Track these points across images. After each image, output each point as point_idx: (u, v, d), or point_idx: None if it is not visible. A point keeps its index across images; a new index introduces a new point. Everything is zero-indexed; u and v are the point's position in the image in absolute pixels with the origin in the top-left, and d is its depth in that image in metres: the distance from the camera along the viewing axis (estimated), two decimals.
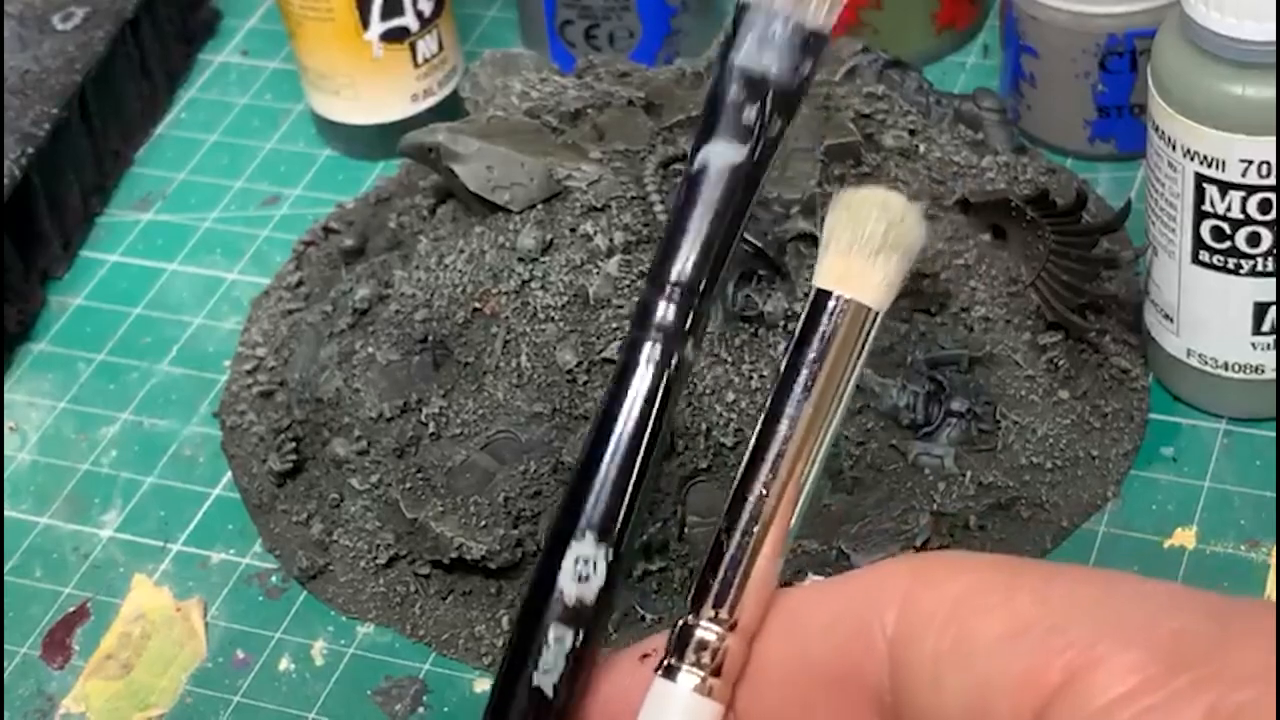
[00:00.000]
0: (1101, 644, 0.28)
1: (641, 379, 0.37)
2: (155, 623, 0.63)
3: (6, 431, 0.71)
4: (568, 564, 0.37)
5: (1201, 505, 0.62)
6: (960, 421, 0.62)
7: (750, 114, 0.37)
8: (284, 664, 0.62)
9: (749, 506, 0.36)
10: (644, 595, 0.60)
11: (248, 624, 0.63)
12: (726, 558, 0.36)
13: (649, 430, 0.37)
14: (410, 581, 0.62)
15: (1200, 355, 0.63)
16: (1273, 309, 0.61)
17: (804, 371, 0.36)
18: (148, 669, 0.62)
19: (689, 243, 0.37)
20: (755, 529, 0.36)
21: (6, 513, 0.68)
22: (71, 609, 0.64)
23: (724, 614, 0.35)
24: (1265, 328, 0.61)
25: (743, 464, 0.37)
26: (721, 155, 0.37)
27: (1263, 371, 0.63)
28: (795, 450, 0.36)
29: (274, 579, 0.64)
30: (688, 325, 0.37)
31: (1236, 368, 0.63)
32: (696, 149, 0.37)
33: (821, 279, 0.36)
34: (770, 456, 0.36)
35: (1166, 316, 0.63)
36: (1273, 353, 0.62)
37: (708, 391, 0.60)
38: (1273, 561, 0.60)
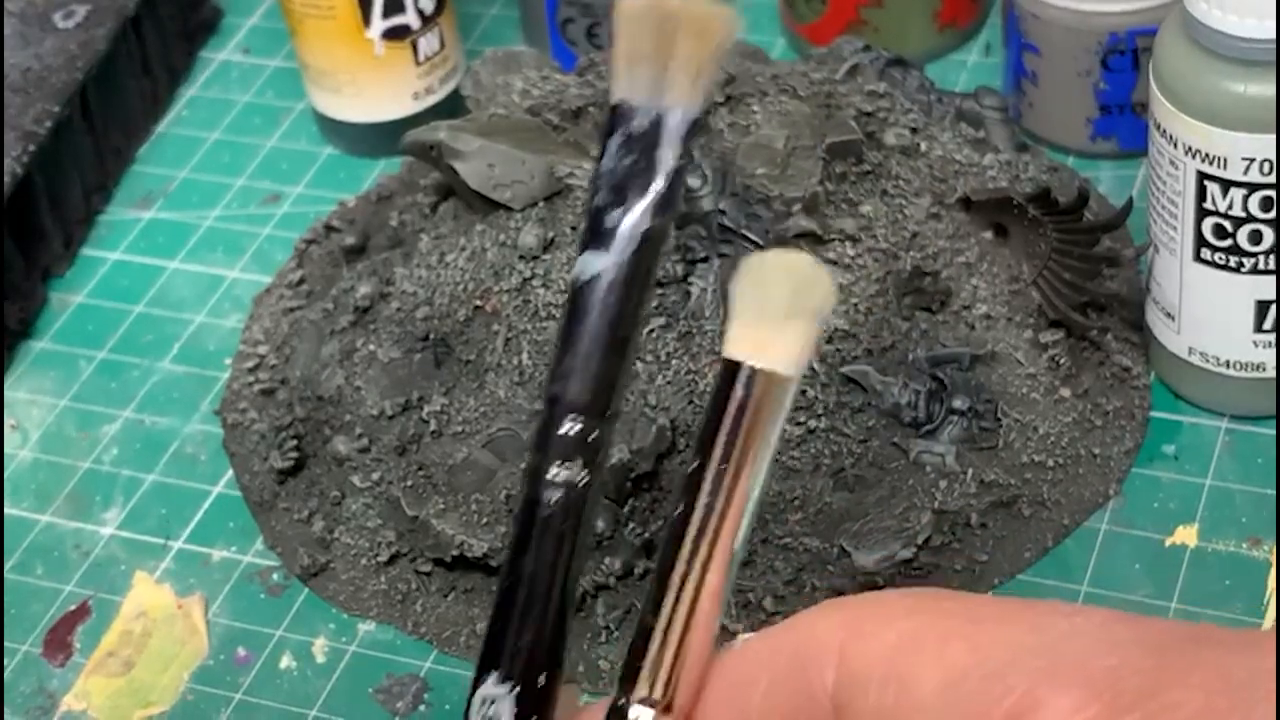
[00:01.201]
0: (1039, 688, 0.28)
1: (545, 505, 0.36)
2: (156, 620, 0.63)
3: (8, 429, 0.71)
4: (474, 706, 0.36)
5: (1203, 503, 0.62)
6: (962, 419, 0.62)
7: (616, 217, 0.36)
8: (285, 661, 0.62)
9: (674, 584, 0.35)
10: (644, 594, 0.60)
11: (249, 621, 0.63)
12: (655, 637, 0.35)
13: (558, 555, 0.36)
14: (412, 579, 0.62)
15: (1202, 353, 0.63)
16: (1274, 307, 0.61)
17: (721, 444, 0.35)
18: (149, 666, 0.62)
19: (579, 360, 0.36)
20: (682, 606, 0.35)
21: (8, 510, 0.68)
22: (73, 607, 0.64)
23: (656, 694, 0.35)
24: (1266, 326, 0.61)
25: (663, 542, 0.36)
26: (597, 263, 0.36)
27: (1264, 369, 0.63)
28: (717, 525, 0.35)
29: (275, 576, 0.64)
30: (589, 441, 0.36)
31: (1238, 366, 0.63)
32: (579, 256, 0.37)
33: (731, 349, 0.35)
34: (693, 532, 0.35)
35: (1168, 314, 0.63)
36: (1274, 350, 0.62)
37: (709, 390, 0.60)
38: (1274, 559, 0.60)
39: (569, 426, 0.36)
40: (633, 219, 0.36)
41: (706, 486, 0.35)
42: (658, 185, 0.36)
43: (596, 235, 0.36)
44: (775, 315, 0.35)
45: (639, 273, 0.36)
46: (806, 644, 0.32)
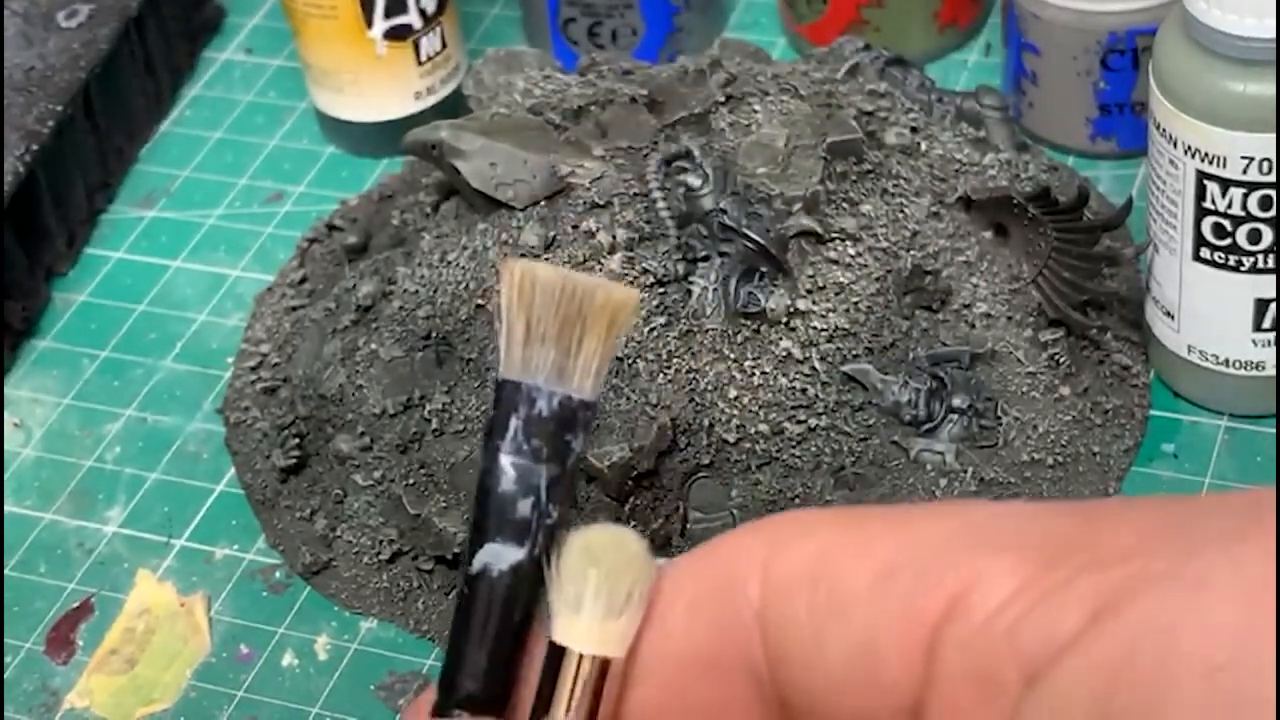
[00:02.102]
0: (973, 562, 0.28)
1: None
2: (159, 618, 0.64)
3: (11, 428, 0.71)
4: None
5: None
6: (962, 418, 0.62)
7: (525, 507, 0.34)
8: (287, 659, 0.62)
9: None
10: None
11: (251, 619, 0.63)
12: None
13: None
14: (413, 577, 0.63)
15: (1201, 352, 0.63)
16: (1273, 306, 0.61)
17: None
18: (151, 664, 0.62)
19: (478, 653, 0.34)
20: None
21: (12, 508, 0.68)
22: (76, 604, 0.65)
23: None
24: (1266, 324, 0.62)
25: None
26: (505, 557, 0.34)
27: (1263, 368, 0.63)
28: None
29: (277, 574, 0.65)
30: None
31: (1237, 364, 0.63)
32: (474, 549, 0.35)
33: (571, 639, 0.33)
34: None
35: (1167, 313, 0.64)
36: (1273, 349, 0.62)
37: (710, 388, 0.60)
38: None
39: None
40: (541, 509, 0.34)
41: None
42: (562, 471, 0.35)
43: (506, 526, 0.35)
44: (603, 604, 0.33)
45: (544, 561, 0.35)
46: (728, 562, 0.31)
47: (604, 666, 0.33)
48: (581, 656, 0.33)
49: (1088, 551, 0.27)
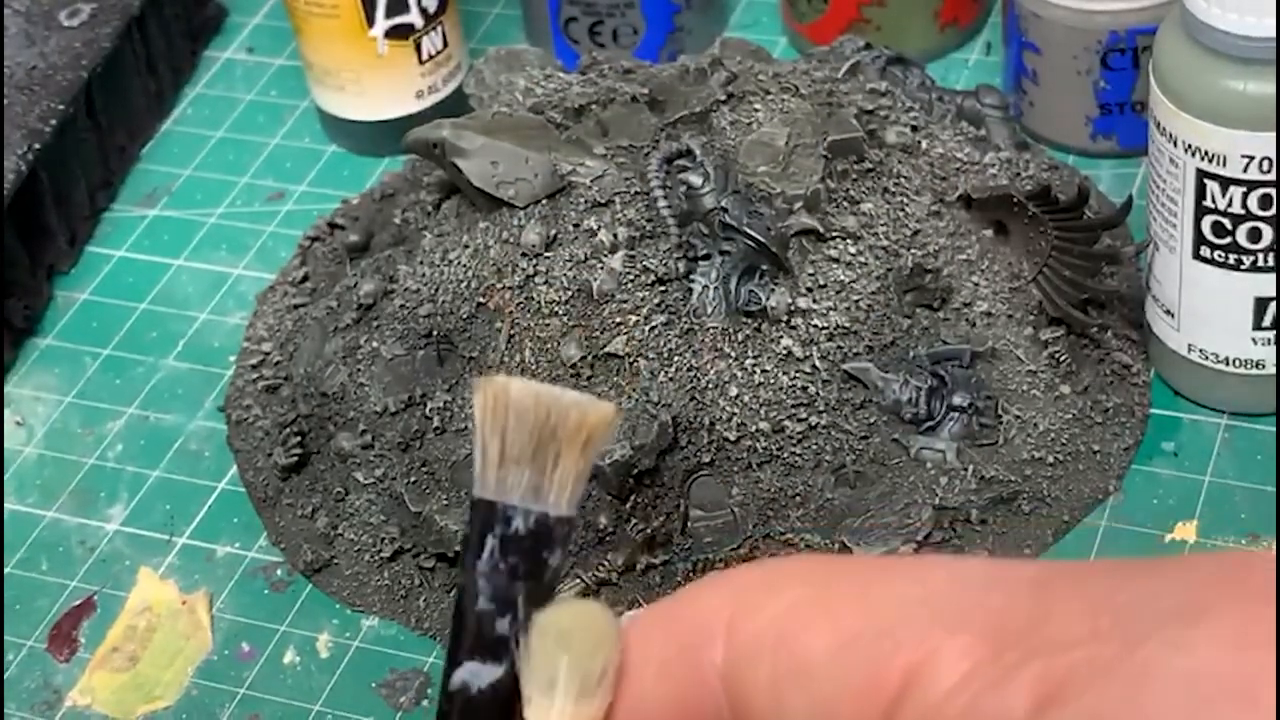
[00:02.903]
0: (929, 638, 0.28)
1: None
2: (161, 615, 0.64)
3: (13, 426, 0.72)
4: None
5: (1202, 500, 0.62)
6: (962, 416, 0.62)
7: (502, 626, 0.34)
8: (289, 657, 0.62)
9: None
10: (647, 589, 0.60)
11: (253, 617, 0.63)
12: None
13: None
14: (415, 575, 0.63)
15: (1201, 350, 0.63)
16: (1273, 304, 0.61)
17: None
18: (153, 661, 0.62)
19: None
20: None
21: (14, 506, 0.68)
22: (78, 602, 0.65)
23: None
24: (1266, 323, 0.62)
25: None
26: (484, 675, 0.34)
27: (1263, 366, 0.63)
28: None
29: (279, 572, 0.65)
30: None
31: (1237, 363, 0.63)
32: (452, 666, 0.34)
33: (531, 715, 0.34)
34: None
35: (1168, 312, 0.64)
36: (1273, 348, 0.62)
37: (711, 386, 0.60)
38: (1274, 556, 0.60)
39: None
40: (518, 626, 0.34)
41: None
42: (540, 588, 0.34)
43: (484, 644, 0.34)
44: (574, 688, 0.33)
45: (513, 643, 0.35)
46: (694, 621, 0.31)
47: None
48: None
49: (1038, 633, 0.27)
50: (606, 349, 0.61)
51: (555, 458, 0.34)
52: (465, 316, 0.63)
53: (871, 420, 0.61)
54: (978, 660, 0.27)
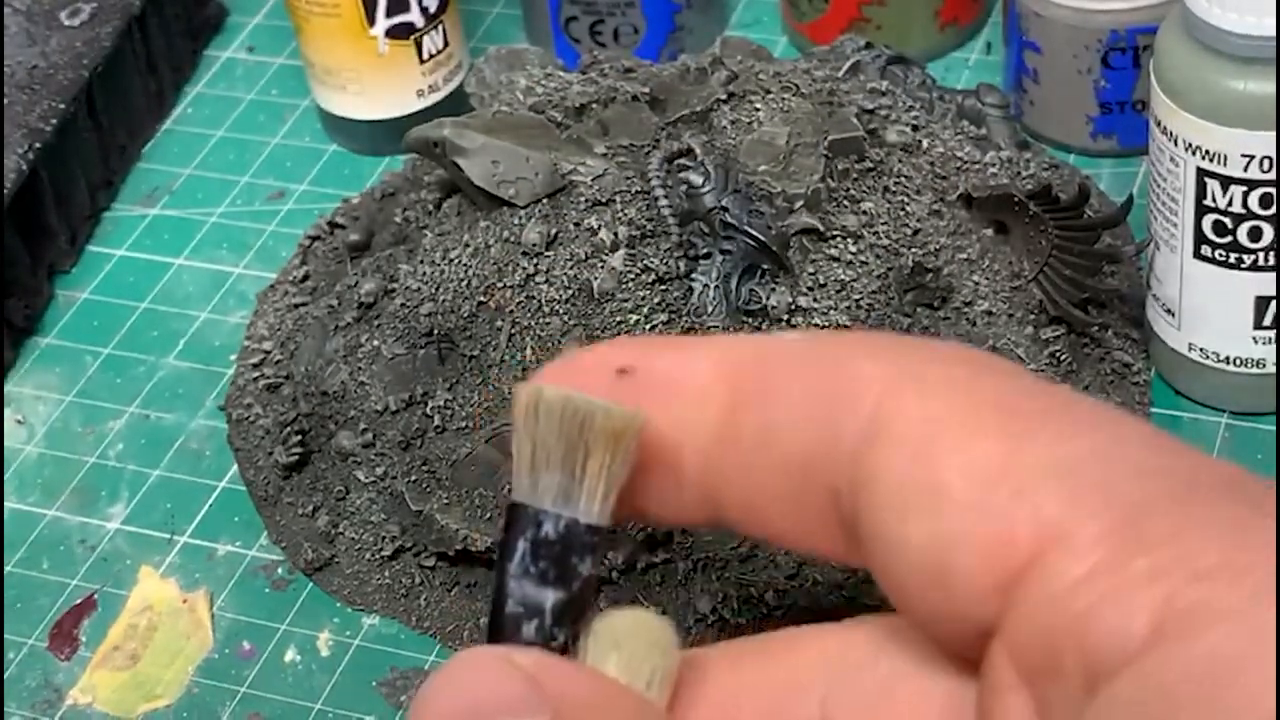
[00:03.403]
0: (1066, 517, 0.28)
1: None
2: (162, 614, 0.64)
3: (14, 425, 0.72)
4: None
5: None
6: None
7: (530, 630, 0.35)
8: (290, 655, 0.62)
9: None
10: (647, 587, 0.60)
11: (254, 615, 0.63)
12: None
13: None
14: (415, 573, 0.63)
15: (1202, 349, 0.63)
16: (1274, 303, 0.61)
17: None
18: (154, 660, 0.62)
19: None
20: None
21: (14, 505, 0.68)
22: (79, 600, 0.65)
23: None
24: (1266, 322, 0.62)
25: None
26: None
27: (1264, 365, 0.63)
28: None
29: (280, 571, 0.65)
30: None
31: (1238, 362, 0.63)
32: None
33: None
34: None
35: (1168, 311, 0.64)
36: (1274, 347, 0.62)
37: None
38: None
39: None
40: (545, 632, 0.35)
41: None
42: (570, 596, 0.35)
43: (515, 644, 0.35)
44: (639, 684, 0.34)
45: (568, 648, 0.35)
46: (846, 378, 0.31)
47: None
48: None
49: (1172, 547, 0.27)
50: None
51: (584, 462, 0.35)
52: (466, 315, 0.63)
53: None
54: (1109, 555, 0.27)
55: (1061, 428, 0.29)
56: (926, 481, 0.29)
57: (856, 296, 0.62)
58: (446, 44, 0.80)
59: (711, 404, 0.33)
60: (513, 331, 0.62)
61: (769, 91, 0.66)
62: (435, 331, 0.64)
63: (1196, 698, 0.25)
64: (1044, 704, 0.28)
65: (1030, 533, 0.28)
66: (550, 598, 0.35)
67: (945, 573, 0.29)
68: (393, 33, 0.78)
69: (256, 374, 0.70)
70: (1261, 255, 0.60)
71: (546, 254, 0.62)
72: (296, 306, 0.71)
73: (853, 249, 0.62)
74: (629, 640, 0.34)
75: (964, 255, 0.64)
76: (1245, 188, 0.59)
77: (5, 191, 0.73)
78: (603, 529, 0.35)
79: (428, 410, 0.63)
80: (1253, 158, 0.58)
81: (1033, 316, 0.64)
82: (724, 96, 0.66)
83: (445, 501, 0.62)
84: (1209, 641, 0.26)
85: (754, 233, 0.61)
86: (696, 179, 0.62)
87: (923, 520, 0.29)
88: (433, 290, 0.64)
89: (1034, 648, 0.28)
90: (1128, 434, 0.30)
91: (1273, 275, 0.61)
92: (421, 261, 0.65)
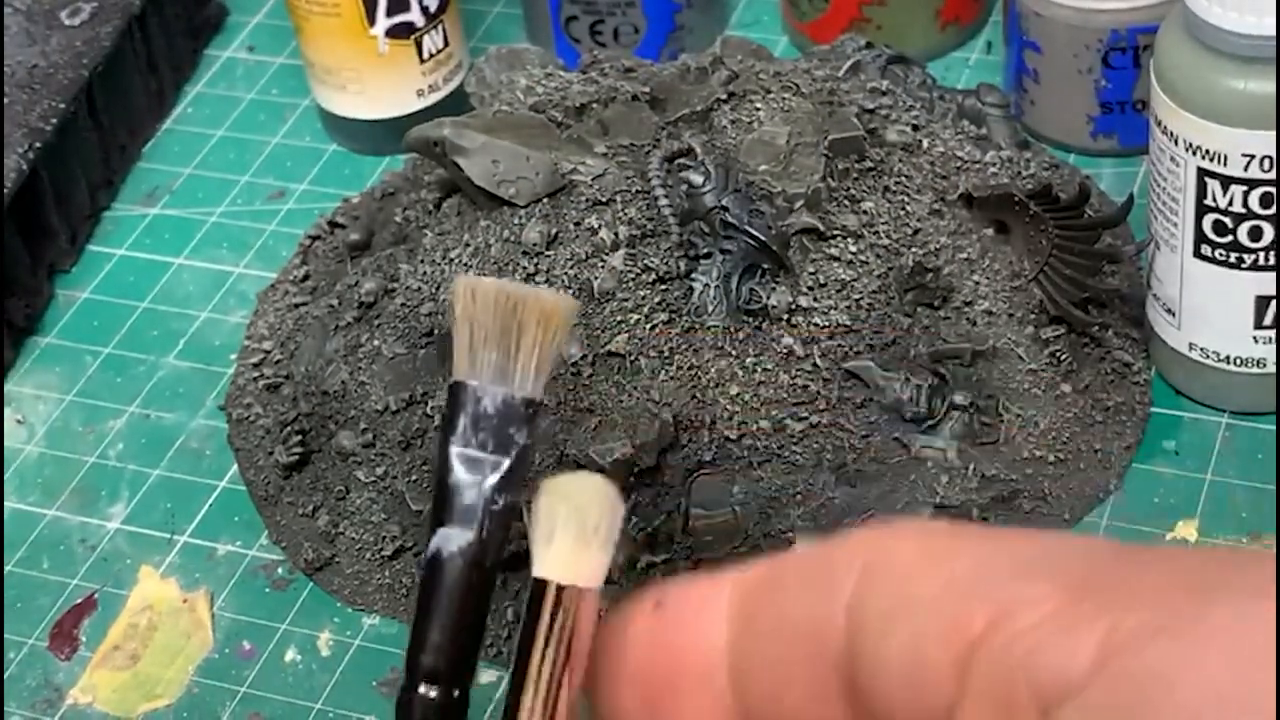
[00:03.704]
0: (1014, 586, 0.30)
1: None
2: (162, 614, 0.64)
3: (14, 424, 0.72)
4: None
5: (1203, 498, 0.62)
6: (963, 415, 0.62)
7: (472, 495, 0.38)
8: (290, 655, 0.62)
9: None
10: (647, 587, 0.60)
11: (254, 615, 0.63)
12: None
13: None
14: (416, 573, 0.63)
15: (1202, 349, 0.63)
16: (1274, 302, 0.61)
17: (539, 653, 0.37)
18: (155, 660, 0.62)
19: (434, 632, 0.38)
20: None
21: (15, 505, 0.68)
22: (79, 600, 0.65)
23: None
24: (1266, 321, 0.62)
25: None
26: (454, 539, 0.38)
27: (1264, 365, 0.63)
28: (552, 695, 0.37)
29: (280, 570, 0.65)
30: (449, 713, 0.39)
31: (1238, 361, 0.63)
32: (430, 535, 0.38)
33: (552, 571, 0.37)
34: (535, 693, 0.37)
35: (1168, 310, 0.64)
36: (1274, 346, 0.62)
37: (712, 384, 0.60)
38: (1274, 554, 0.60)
39: (427, 693, 0.38)
40: (488, 497, 0.38)
41: (528, 696, 0.37)
42: (509, 463, 0.38)
43: (454, 511, 0.38)
44: (570, 535, 0.37)
45: (494, 545, 0.38)
46: (841, 558, 0.34)
47: (579, 597, 0.37)
48: (555, 585, 0.36)
49: (1114, 591, 0.29)
50: (608, 347, 0.61)
51: (518, 341, 0.39)
52: None
53: (872, 419, 0.61)
54: (1055, 608, 0.29)
55: (1032, 538, 0.32)
56: (902, 601, 0.32)
57: (857, 296, 0.62)
58: (447, 43, 0.80)
59: (732, 613, 0.36)
60: None
61: (769, 91, 0.66)
62: (436, 331, 0.64)
63: (1137, 714, 0.27)
64: None
65: (984, 609, 0.30)
66: (489, 465, 0.38)
67: (918, 668, 0.31)
68: (393, 32, 0.78)
69: (257, 374, 0.70)
70: (1262, 255, 0.60)
71: (547, 253, 0.62)
72: (297, 306, 0.71)
73: (853, 248, 0.62)
74: (577, 494, 0.37)
75: (964, 255, 0.64)
76: (1245, 187, 0.59)
77: (6, 191, 0.73)
78: (537, 402, 0.39)
79: (428, 410, 0.63)
80: (1253, 157, 0.58)
81: (1033, 316, 0.64)
82: (724, 96, 0.66)
83: None
84: (1145, 660, 0.27)
85: (754, 232, 0.61)
86: (697, 179, 0.62)
87: (900, 629, 0.32)
88: (433, 290, 0.64)
89: (989, 696, 0.29)
90: (1091, 538, 0.34)
91: (1273, 275, 0.61)
92: (422, 261, 0.65)
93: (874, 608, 0.32)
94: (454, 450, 0.38)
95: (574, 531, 0.37)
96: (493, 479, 0.38)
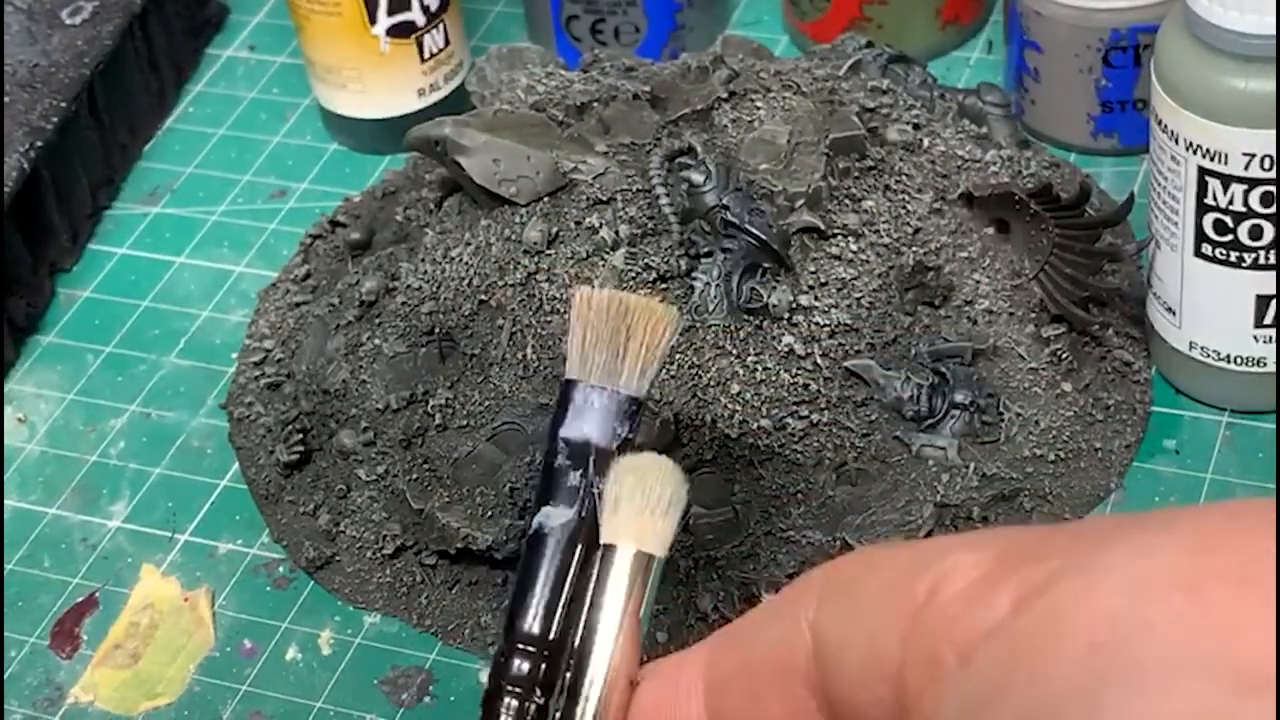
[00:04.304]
0: (951, 557, 0.32)
1: None
2: (163, 612, 0.64)
3: (16, 423, 0.72)
4: None
5: (1204, 497, 0.62)
6: (963, 413, 0.62)
7: (575, 479, 0.42)
8: (291, 653, 0.62)
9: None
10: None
11: (255, 614, 0.63)
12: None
13: None
14: (416, 571, 0.63)
15: (1202, 348, 0.63)
16: (1274, 302, 0.61)
17: (610, 616, 0.40)
18: (156, 658, 0.62)
19: (535, 601, 0.42)
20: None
21: (16, 503, 0.68)
22: (80, 599, 0.65)
23: None
24: (1267, 320, 0.62)
25: (562, 702, 0.40)
26: (556, 517, 0.42)
27: (1264, 364, 0.63)
28: (609, 681, 0.40)
29: (281, 569, 0.65)
30: (541, 677, 0.41)
31: (1238, 360, 0.63)
32: (535, 513, 0.42)
33: (618, 536, 0.40)
34: (585, 691, 0.40)
35: (1169, 309, 0.64)
36: (1274, 345, 0.62)
37: (712, 383, 0.60)
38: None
39: (522, 661, 0.41)
40: (589, 479, 0.42)
41: (598, 648, 0.40)
42: (612, 453, 0.43)
43: (559, 491, 0.42)
44: (652, 509, 0.41)
45: (590, 525, 0.42)
46: (800, 588, 0.36)
47: (644, 563, 0.40)
48: (619, 550, 0.40)
49: (1032, 550, 0.31)
50: None
51: (625, 345, 0.43)
52: (467, 314, 0.63)
53: (873, 418, 0.61)
54: (985, 571, 0.31)
55: (961, 534, 0.35)
56: (851, 604, 0.34)
57: (857, 295, 0.62)
58: (447, 43, 0.80)
59: (706, 673, 0.39)
60: (514, 330, 0.62)
61: (770, 90, 0.66)
62: (436, 330, 0.64)
63: (1037, 641, 0.29)
64: (936, 700, 0.31)
65: (926, 581, 0.32)
66: (593, 453, 0.43)
67: (874, 655, 0.33)
68: (394, 31, 0.78)
69: (258, 372, 0.70)
70: (1262, 254, 0.60)
71: (547, 252, 0.62)
72: (298, 305, 0.71)
73: (854, 247, 0.62)
74: (642, 469, 0.41)
75: (965, 254, 0.64)
76: (1246, 186, 0.59)
77: (7, 190, 0.73)
78: (640, 400, 0.43)
79: (429, 409, 0.63)
80: (1253, 156, 0.58)
81: (1034, 315, 0.64)
82: (725, 95, 0.66)
83: (446, 500, 0.62)
84: (1048, 599, 0.29)
85: (755, 231, 0.61)
86: (697, 177, 0.62)
87: (852, 630, 0.34)
88: (434, 289, 0.64)
89: (922, 657, 0.31)
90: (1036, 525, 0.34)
91: (1273, 274, 0.61)
92: (423, 260, 0.65)
93: (832, 617, 0.34)
94: (562, 438, 0.43)
95: (639, 502, 0.40)
96: (595, 466, 0.42)
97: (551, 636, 0.41)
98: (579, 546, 0.41)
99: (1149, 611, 0.28)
